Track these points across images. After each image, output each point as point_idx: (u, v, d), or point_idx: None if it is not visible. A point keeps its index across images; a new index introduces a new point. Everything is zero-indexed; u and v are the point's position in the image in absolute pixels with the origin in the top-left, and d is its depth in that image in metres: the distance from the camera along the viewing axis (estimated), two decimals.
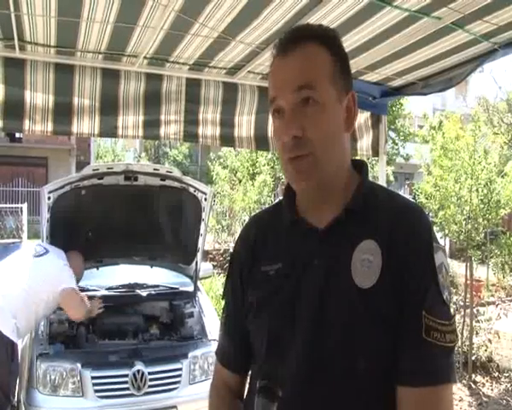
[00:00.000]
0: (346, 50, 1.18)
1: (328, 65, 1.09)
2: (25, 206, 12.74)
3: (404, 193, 20.90)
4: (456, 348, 1.07)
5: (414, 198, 9.15)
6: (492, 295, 9.00)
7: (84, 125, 2.97)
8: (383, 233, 1.07)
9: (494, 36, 2.56)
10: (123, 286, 4.47)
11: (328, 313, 1.06)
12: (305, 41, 1.09)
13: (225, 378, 1.32)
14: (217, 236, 12.44)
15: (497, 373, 5.98)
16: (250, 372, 1.27)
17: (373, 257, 1.05)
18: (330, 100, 1.08)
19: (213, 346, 3.86)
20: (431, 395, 1.00)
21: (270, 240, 1.22)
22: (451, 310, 1.08)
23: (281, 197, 1.26)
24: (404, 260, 1.04)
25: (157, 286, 4.59)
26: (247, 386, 1.29)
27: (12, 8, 2.25)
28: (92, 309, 3.69)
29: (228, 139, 3.43)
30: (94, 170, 3.97)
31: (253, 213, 10.80)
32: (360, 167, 1.20)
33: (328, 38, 1.12)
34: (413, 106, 19.41)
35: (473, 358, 5.87)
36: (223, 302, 1.35)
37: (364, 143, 3.77)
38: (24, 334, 3.48)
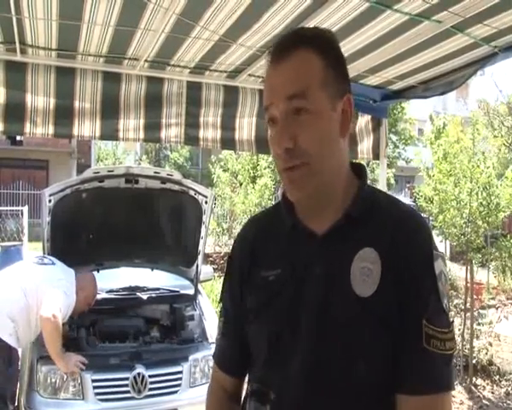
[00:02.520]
0: (347, 54, 1.17)
1: (320, 71, 1.07)
2: (25, 209, 12.72)
3: (405, 196, 20.90)
4: (456, 352, 1.07)
5: (414, 201, 9.15)
6: (493, 298, 8.99)
7: (85, 127, 2.97)
8: (383, 240, 1.06)
9: (494, 39, 2.56)
10: (124, 289, 4.47)
11: (330, 321, 1.06)
12: (296, 48, 1.07)
13: (223, 382, 1.31)
14: (217, 239, 12.44)
15: (497, 376, 5.97)
16: (247, 376, 1.27)
17: (372, 265, 1.05)
18: (323, 107, 1.07)
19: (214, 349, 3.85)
20: (431, 403, 1.01)
21: (269, 244, 1.21)
22: (450, 317, 1.07)
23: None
24: (404, 269, 1.03)
25: (158, 289, 4.58)
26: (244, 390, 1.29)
27: (13, 12, 2.26)
28: (68, 363, 3.34)
29: (228, 142, 3.43)
30: (94, 173, 3.97)
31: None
32: (359, 171, 1.18)
33: (320, 43, 1.10)
34: (413, 110, 19.45)
35: (473, 361, 5.86)
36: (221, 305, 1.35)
37: (365, 147, 3.77)
38: (25, 340, 3.40)
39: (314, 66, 1.07)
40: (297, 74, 1.06)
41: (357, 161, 1.29)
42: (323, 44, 1.10)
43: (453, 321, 1.12)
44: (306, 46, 1.08)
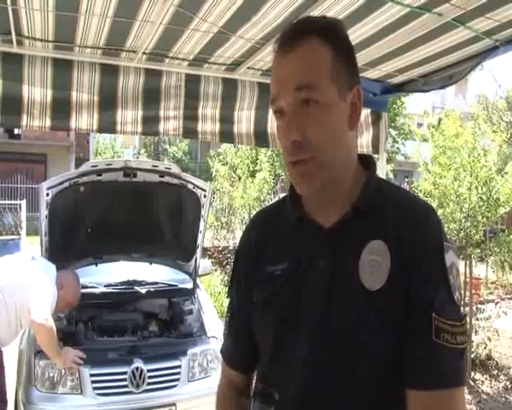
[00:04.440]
0: None
1: (329, 62, 1.05)
2: (23, 202, 12.71)
3: None
4: (466, 349, 1.04)
5: None
6: (491, 293, 8.99)
7: (83, 120, 2.95)
8: (391, 232, 1.04)
9: (496, 33, 2.54)
10: (122, 283, 4.45)
11: (335, 315, 1.04)
12: (305, 37, 1.04)
13: (232, 378, 1.30)
14: (216, 233, 12.43)
15: (496, 371, 5.98)
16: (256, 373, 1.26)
17: (381, 258, 1.03)
18: (332, 99, 1.04)
19: (212, 343, 3.85)
20: (442, 399, 0.99)
21: (274, 239, 1.19)
22: (462, 311, 1.05)
23: (280, 194, 1.24)
24: (413, 261, 1.01)
25: (156, 283, 4.57)
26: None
27: (9, 2, 2.23)
28: (65, 359, 3.29)
29: (227, 135, 3.41)
30: (93, 166, 3.95)
31: (252, 211, 10.77)
32: (367, 163, 1.17)
33: (330, 32, 1.07)
34: (412, 104, 19.41)
35: (472, 356, 5.87)
36: (221, 299, 1.34)
37: (364, 140, 3.75)
38: (6, 339, 3.27)
39: (323, 56, 1.05)
40: (306, 65, 1.04)
41: (366, 153, 1.28)
42: (333, 34, 1.08)
43: (466, 315, 1.10)
44: (315, 35, 1.05)
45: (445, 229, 6.34)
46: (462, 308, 1.05)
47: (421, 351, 0.99)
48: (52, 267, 3.51)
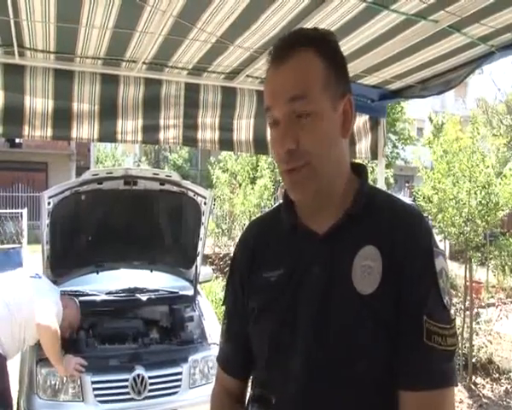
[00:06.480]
0: (344, 54, 1.16)
1: (322, 73, 1.07)
2: (25, 211, 12.73)
3: (404, 195, 20.92)
4: (456, 351, 1.07)
5: (414, 201, 9.15)
6: (492, 297, 8.98)
7: (84, 130, 2.98)
8: (383, 238, 1.07)
9: (491, 39, 2.57)
10: (123, 290, 4.47)
11: (329, 320, 1.06)
12: (298, 49, 1.07)
13: (227, 384, 1.31)
14: (216, 240, 12.43)
15: (497, 375, 5.96)
16: (251, 379, 1.27)
17: (373, 263, 1.05)
18: (324, 109, 1.07)
19: (213, 350, 3.86)
20: (433, 399, 1.01)
21: (270, 245, 1.21)
22: (452, 314, 1.08)
23: (281, 201, 1.27)
24: (405, 266, 1.04)
25: (157, 290, 4.58)
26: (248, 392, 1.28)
27: (11, 15, 2.26)
28: (67, 367, 3.35)
29: (227, 143, 3.44)
30: (93, 175, 3.97)
31: (253, 217, 10.78)
32: (359, 171, 1.19)
33: (321, 44, 1.10)
34: (412, 110, 19.47)
35: (473, 360, 5.86)
36: (223, 307, 1.35)
37: (363, 146, 3.78)
38: (9, 353, 3.31)
39: (315, 67, 1.07)
40: (298, 76, 1.06)
41: (358, 161, 1.30)
42: (324, 45, 1.10)
43: (455, 318, 1.12)
44: (307, 47, 1.08)
45: (446, 233, 6.37)
46: (451, 312, 1.08)
47: (412, 353, 1.02)
48: (56, 289, 3.60)
